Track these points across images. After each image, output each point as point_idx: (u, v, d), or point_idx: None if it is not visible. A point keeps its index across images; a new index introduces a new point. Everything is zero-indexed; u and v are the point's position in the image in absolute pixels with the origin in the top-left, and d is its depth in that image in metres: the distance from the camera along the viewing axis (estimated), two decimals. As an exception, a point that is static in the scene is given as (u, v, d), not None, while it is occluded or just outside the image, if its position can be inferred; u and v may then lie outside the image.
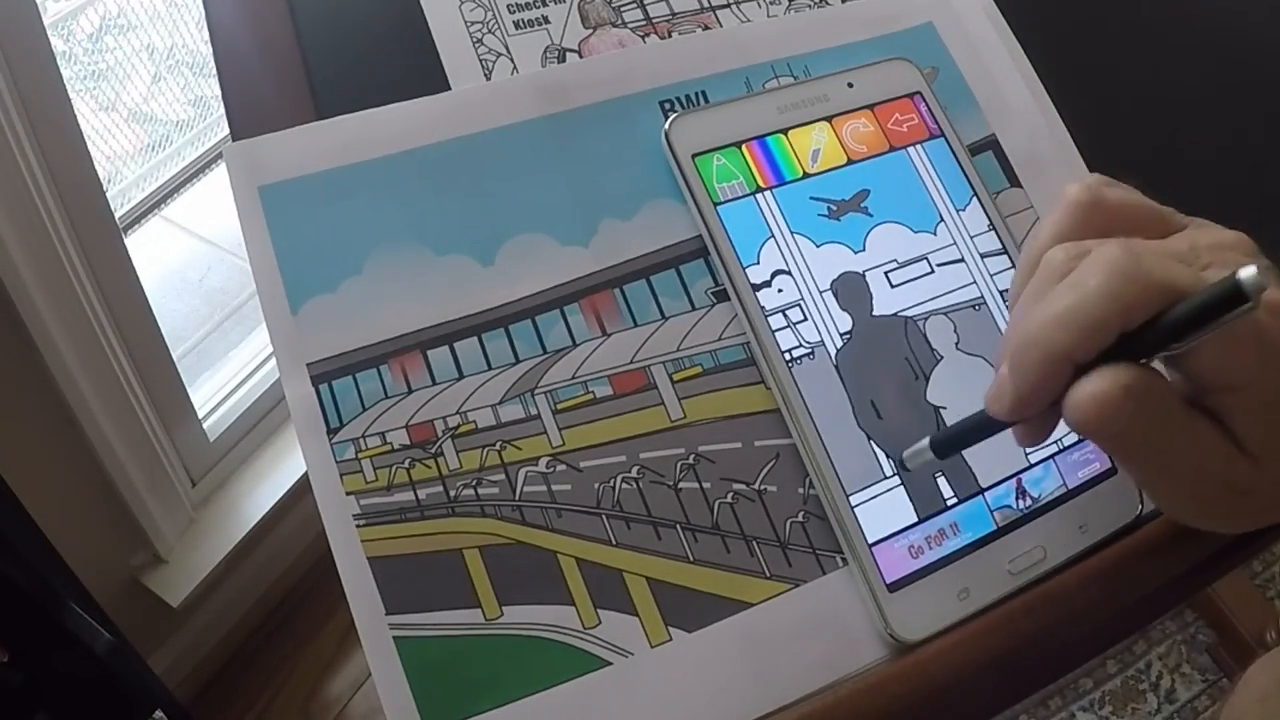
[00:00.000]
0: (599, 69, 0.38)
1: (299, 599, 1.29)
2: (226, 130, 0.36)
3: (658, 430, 0.33)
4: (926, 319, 0.35)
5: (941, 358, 0.34)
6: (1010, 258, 0.37)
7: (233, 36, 0.38)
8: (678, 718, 0.30)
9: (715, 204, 0.35)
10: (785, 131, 0.37)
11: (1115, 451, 0.28)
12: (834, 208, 0.35)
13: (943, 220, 0.36)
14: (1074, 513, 0.34)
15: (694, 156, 0.35)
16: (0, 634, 0.72)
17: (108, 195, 0.94)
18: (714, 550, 0.32)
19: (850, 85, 0.38)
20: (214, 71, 0.38)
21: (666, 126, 0.36)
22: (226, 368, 1.25)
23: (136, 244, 1.17)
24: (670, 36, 0.40)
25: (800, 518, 0.33)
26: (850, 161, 0.37)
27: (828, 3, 0.42)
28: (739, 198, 0.35)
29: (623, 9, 0.41)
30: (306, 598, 1.29)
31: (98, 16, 1.22)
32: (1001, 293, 0.36)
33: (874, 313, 0.34)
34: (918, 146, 0.37)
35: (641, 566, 0.31)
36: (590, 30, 0.40)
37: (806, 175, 0.36)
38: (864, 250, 0.35)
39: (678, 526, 0.32)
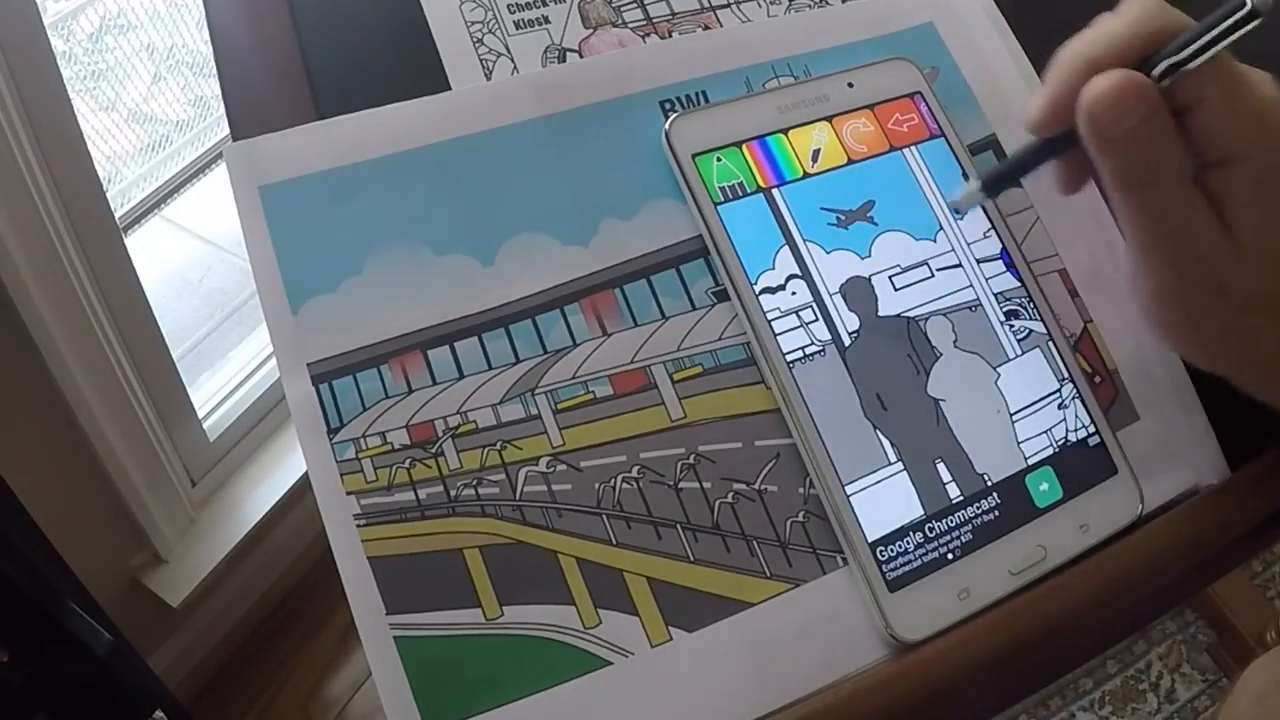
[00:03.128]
0: (599, 69, 0.37)
1: (299, 599, 1.29)
2: (226, 130, 0.36)
3: (658, 430, 0.33)
4: (927, 319, 0.35)
5: (941, 354, 0.35)
6: (1011, 257, 0.37)
7: (233, 36, 0.38)
8: (678, 718, 0.30)
9: (715, 204, 0.35)
10: (785, 131, 0.37)
11: (1115, 169, 0.29)
12: (842, 217, 0.36)
13: (942, 228, 0.37)
14: (1074, 513, 0.34)
15: (694, 156, 0.35)
16: (0, 634, 0.72)
17: (108, 195, 0.94)
18: (714, 550, 0.32)
19: (850, 85, 0.38)
20: (214, 71, 0.38)
21: (666, 126, 0.36)
22: (226, 368, 1.25)
23: (136, 244, 1.17)
24: (670, 36, 0.40)
25: (800, 518, 0.33)
26: (850, 161, 0.37)
27: (828, 3, 0.42)
28: (739, 198, 0.35)
29: (623, 9, 0.41)
30: (306, 598, 1.29)
31: (98, 16, 1.22)
32: (996, 295, 0.36)
33: (879, 313, 0.35)
34: (916, 152, 0.38)
35: (642, 566, 0.31)
36: (590, 30, 0.40)
37: (807, 175, 0.36)
38: (870, 256, 0.36)
39: (678, 526, 0.32)
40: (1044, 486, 0.34)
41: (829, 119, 0.37)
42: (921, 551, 0.32)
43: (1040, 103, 0.30)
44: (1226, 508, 0.34)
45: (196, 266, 1.42)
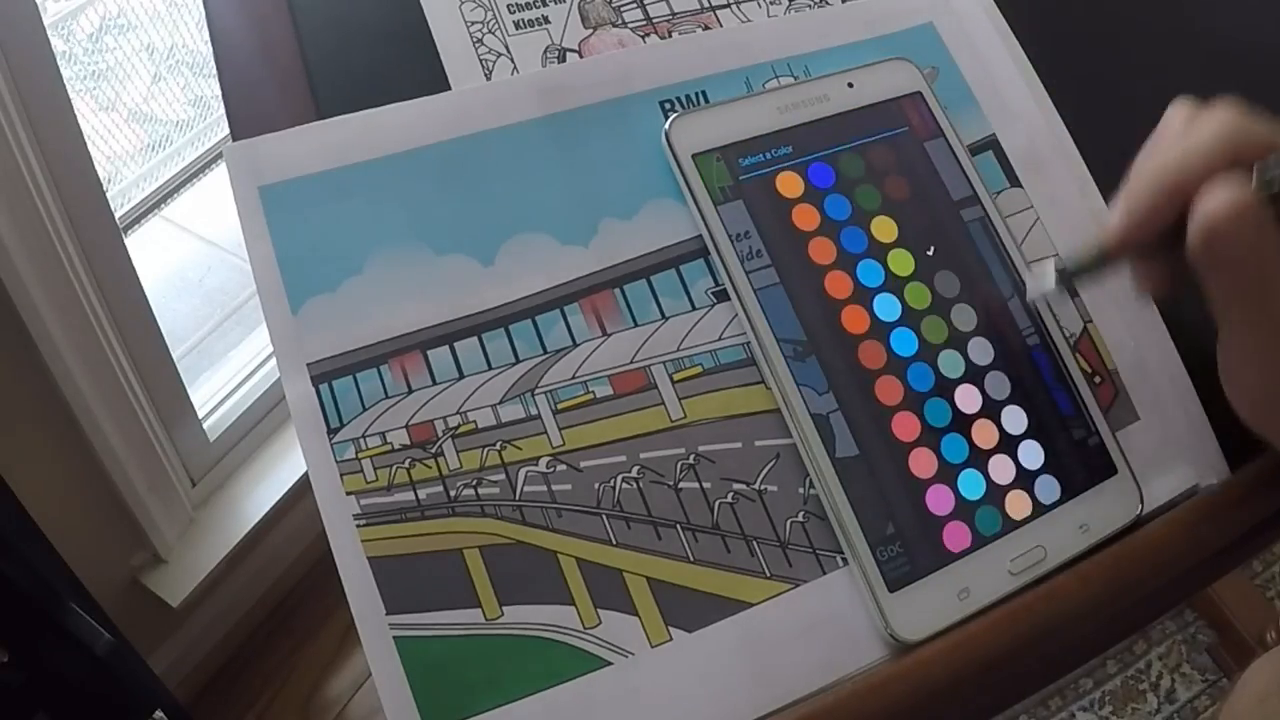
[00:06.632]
0: (599, 69, 0.37)
1: (299, 599, 1.29)
2: (226, 130, 0.36)
3: (658, 430, 0.33)
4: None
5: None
6: (1010, 259, 0.37)
7: (233, 36, 0.38)
8: (678, 718, 0.30)
9: (715, 204, 0.35)
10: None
11: (1226, 286, 0.29)
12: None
13: None
14: (1074, 513, 0.34)
15: (694, 156, 0.35)
16: (0, 634, 0.72)
17: (108, 195, 0.94)
18: (714, 550, 0.32)
19: (850, 85, 0.38)
20: (214, 71, 0.38)
21: (666, 126, 0.36)
22: (226, 368, 1.25)
23: (136, 244, 1.17)
24: (670, 36, 0.40)
25: (800, 518, 0.33)
26: (850, 161, 0.37)
27: (828, 3, 0.42)
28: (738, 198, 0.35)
29: (623, 9, 0.41)
30: (306, 598, 1.29)
31: (98, 16, 1.22)
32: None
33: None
34: None
35: (641, 566, 0.31)
36: (590, 30, 0.40)
37: (806, 175, 0.36)
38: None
39: (678, 526, 0.32)
40: (1044, 486, 0.34)
41: (829, 119, 0.37)
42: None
43: (1122, 222, 0.30)
44: (1226, 508, 0.34)
45: (196, 266, 1.42)
